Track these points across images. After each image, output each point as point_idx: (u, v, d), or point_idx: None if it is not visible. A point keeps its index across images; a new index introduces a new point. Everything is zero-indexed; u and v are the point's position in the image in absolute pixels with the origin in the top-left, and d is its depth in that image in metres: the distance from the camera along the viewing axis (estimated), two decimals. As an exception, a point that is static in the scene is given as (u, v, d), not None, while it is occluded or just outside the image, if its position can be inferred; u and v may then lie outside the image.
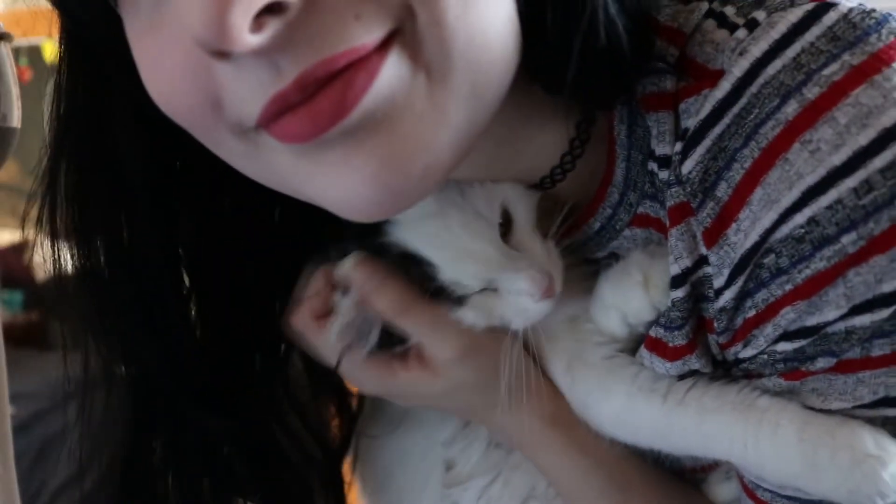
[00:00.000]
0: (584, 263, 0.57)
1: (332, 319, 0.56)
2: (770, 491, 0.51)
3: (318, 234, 0.59)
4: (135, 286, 0.57)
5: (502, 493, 0.62)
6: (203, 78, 0.40)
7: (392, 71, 0.39)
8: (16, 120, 0.61)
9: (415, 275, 0.54)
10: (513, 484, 0.62)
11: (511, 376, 0.54)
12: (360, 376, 0.60)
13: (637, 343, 0.55)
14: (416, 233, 0.53)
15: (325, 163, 0.41)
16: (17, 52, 0.64)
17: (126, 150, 0.54)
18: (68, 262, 0.56)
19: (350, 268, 0.55)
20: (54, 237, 0.55)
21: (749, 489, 0.52)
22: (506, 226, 0.54)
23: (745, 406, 0.49)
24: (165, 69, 0.41)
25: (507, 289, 0.53)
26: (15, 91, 0.61)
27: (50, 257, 0.56)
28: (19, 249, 2.74)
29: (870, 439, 0.46)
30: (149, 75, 0.43)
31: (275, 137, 0.41)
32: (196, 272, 0.60)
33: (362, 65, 0.38)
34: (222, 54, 0.37)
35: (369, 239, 0.54)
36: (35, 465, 2.02)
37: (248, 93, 0.39)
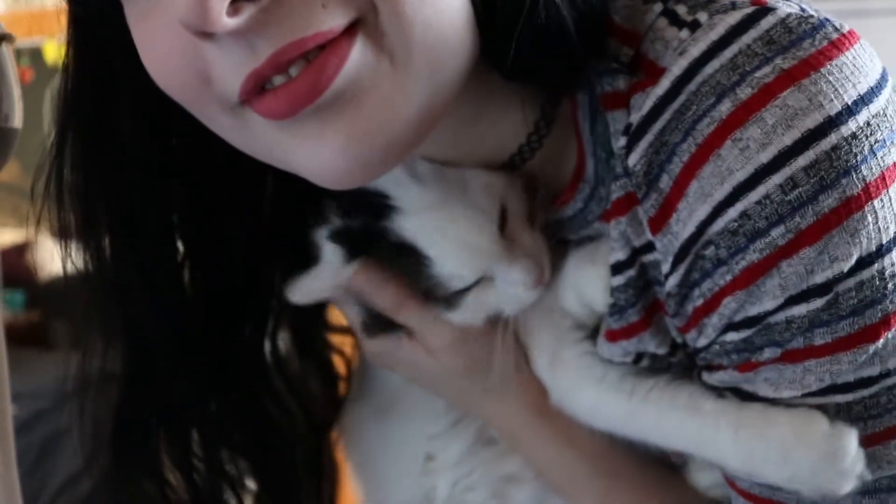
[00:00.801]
0: (557, 245, 0.60)
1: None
2: (746, 480, 0.53)
3: (303, 215, 0.62)
4: (133, 253, 0.61)
5: (478, 479, 0.65)
6: (193, 57, 0.45)
7: (359, 56, 0.44)
8: (17, 120, 0.62)
9: (410, 268, 0.57)
10: (488, 470, 0.65)
11: (503, 361, 0.59)
12: (371, 344, 0.65)
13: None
14: (418, 223, 0.56)
15: (302, 136, 0.46)
16: (18, 53, 0.64)
17: (126, 128, 0.59)
18: (72, 236, 0.60)
19: (354, 272, 0.60)
20: (60, 207, 0.59)
21: (729, 480, 0.54)
22: (502, 218, 0.57)
23: (693, 408, 0.53)
24: (161, 50, 0.46)
25: (503, 279, 0.56)
26: (16, 92, 0.62)
27: (55, 231, 0.60)
28: (21, 249, 2.74)
29: (791, 434, 0.48)
30: (147, 56, 0.48)
31: (258, 114, 0.45)
32: (190, 243, 0.65)
33: (334, 50, 0.43)
34: (205, 35, 0.42)
35: (373, 220, 0.57)
36: (36, 465, 2.02)
37: (230, 70, 0.44)
